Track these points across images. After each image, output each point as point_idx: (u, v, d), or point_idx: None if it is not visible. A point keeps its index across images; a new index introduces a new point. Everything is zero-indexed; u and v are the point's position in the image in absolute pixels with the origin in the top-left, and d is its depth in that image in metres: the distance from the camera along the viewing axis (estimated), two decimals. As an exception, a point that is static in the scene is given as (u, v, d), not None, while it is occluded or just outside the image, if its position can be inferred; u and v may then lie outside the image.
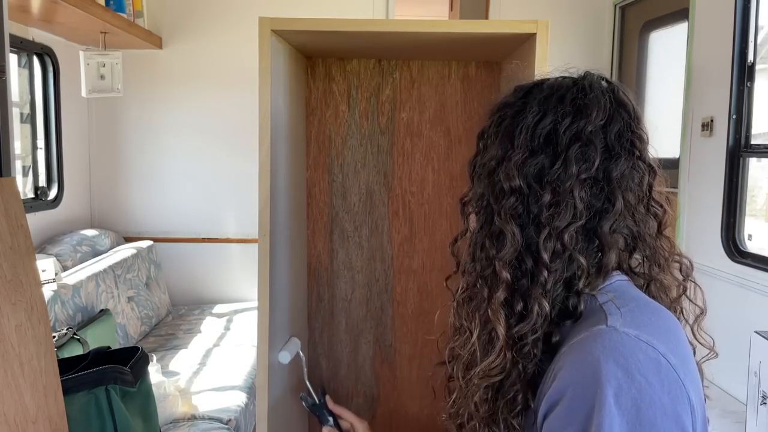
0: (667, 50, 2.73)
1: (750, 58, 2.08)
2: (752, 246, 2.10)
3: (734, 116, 2.11)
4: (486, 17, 3.20)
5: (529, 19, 0.97)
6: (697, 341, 0.72)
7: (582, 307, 0.66)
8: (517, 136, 0.69)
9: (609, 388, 0.56)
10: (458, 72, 1.27)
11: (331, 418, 1.12)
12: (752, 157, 2.12)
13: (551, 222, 0.66)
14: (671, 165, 2.52)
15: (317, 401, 1.13)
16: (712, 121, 2.22)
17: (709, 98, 2.25)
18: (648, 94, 2.85)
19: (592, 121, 0.67)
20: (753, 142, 2.10)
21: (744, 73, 2.09)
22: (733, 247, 2.11)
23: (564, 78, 0.72)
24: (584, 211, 0.65)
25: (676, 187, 2.45)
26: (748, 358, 1.46)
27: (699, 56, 2.34)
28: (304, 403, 1.13)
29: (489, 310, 0.68)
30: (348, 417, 1.12)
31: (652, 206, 0.71)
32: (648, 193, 0.70)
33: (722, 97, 2.14)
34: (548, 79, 0.73)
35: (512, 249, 0.67)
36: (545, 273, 0.65)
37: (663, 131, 2.68)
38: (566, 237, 0.65)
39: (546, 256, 0.65)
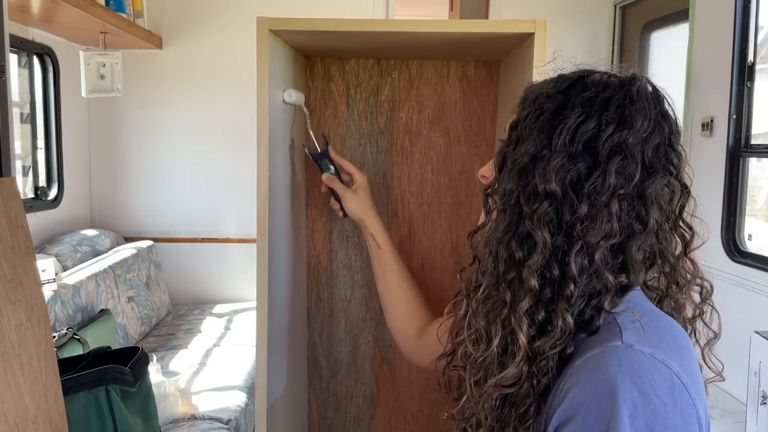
0: (668, 50, 2.73)
1: (750, 58, 2.07)
2: (752, 246, 2.10)
3: (734, 116, 2.11)
4: (486, 17, 3.20)
5: (527, 19, 0.97)
6: (706, 365, 0.71)
7: (600, 322, 0.64)
8: (556, 135, 0.65)
9: (624, 409, 0.56)
10: (457, 72, 1.27)
11: (332, 167, 1.15)
12: (752, 157, 2.12)
13: (585, 236, 0.63)
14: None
15: (319, 150, 1.15)
16: (712, 121, 2.22)
17: (709, 98, 2.25)
18: (648, 93, 2.84)
19: (635, 132, 0.64)
20: (753, 142, 2.10)
21: (744, 73, 2.08)
22: (733, 247, 2.11)
23: (610, 76, 0.69)
24: (617, 228, 0.63)
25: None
26: (748, 358, 1.46)
27: (699, 56, 2.34)
28: (306, 151, 1.16)
29: (512, 317, 0.66)
30: (348, 168, 1.16)
31: (680, 227, 0.69)
32: (677, 213, 0.68)
33: (722, 97, 2.14)
34: (593, 74, 0.69)
35: (542, 257, 0.64)
36: (572, 286, 0.63)
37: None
38: (597, 254, 0.63)
39: (575, 270, 0.63)
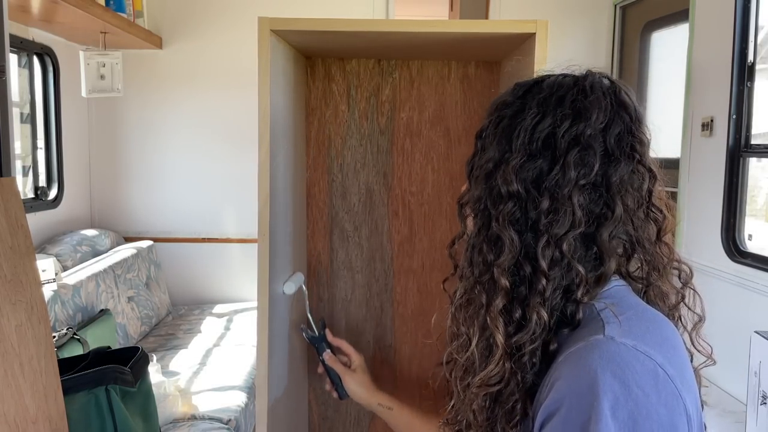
0: (668, 50, 2.73)
1: (750, 58, 2.07)
2: (752, 246, 2.10)
3: (734, 116, 2.11)
4: (486, 17, 3.20)
5: (528, 19, 0.97)
6: (696, 349, 0.71)
7: (580, 315, 0.65)
8: (515, 138, 0.67)
9: (606, 401, 0.56)
10: (458, 72, 1.27)
11: (329, 350, 1.18)
12: (752, 157, 2.12)
13: (550, 229, 0.65)
14: (671, 165, 2.52)
15: (317, 333, 1.19)
16: (712, 121, 2.22)
17: (709, 98, 2.25)
18: (649, 94, 2.85)
19: (591, 124, 0.66)
20: (753, 142, 2.10)
21: (744, 73, 2.08)
22: (733, 247, 2.11)
23: (565, 76, 0.71)
24: (583, 218, 0.64)
25: (676, 187, 2.45)
26: (748, 358, 1.46)
27: (699, 56, 2.34)
28: (304, 335, 1.19)
29: (488, 317, 0.67)
30: (346, 349, 1.18)
31: (652, 212, 0.70)
32: (648, 199, 0.69)
33: (722, 97, 2.14)
34: (549, 77, 0.71)
35: (510, 255, 0.66)
36: (544, 281, 0.64)
37: (663, 131, 2.68)
38: (564, 245, 0.64)
39: (544, 264, 0.64)
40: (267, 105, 1.01)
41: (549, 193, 0.65)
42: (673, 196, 2.50)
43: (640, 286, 0.71)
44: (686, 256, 0.74)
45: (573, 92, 0.68)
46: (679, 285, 0.73)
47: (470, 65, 1.27)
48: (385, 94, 1.29)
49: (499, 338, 0.66)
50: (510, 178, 0.66)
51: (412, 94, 1.28)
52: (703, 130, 2.27)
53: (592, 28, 3.09)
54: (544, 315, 0.64)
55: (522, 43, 1.04)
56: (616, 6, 2.99)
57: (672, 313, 0.72)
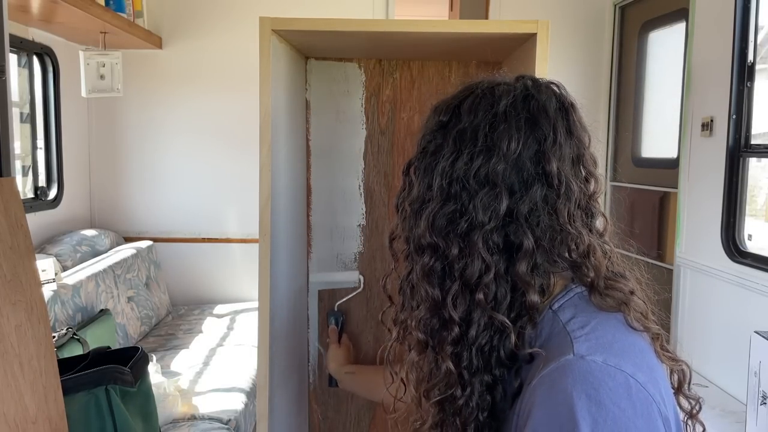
0: (665, 50, 2.73)
1: (750, 58, 2.07)
2: (752, 246, 2.10)
3: (734, 116, 2.11)
4: (486, 17, 3.20)
5: (529, 19, 0.97)
6: (682, 406, 0.69)
7: (527, 339, 0.65)
8: (434, 180, 0.68)
9: (585, 426, 0.56)
10: (458, 72, 1.27)
11: (336, 325, 1.33)
12: (752, 157, 2.12)
13: (462, 276, 0.65)
14: (670, 165, 2.52)
15: (338, 321, 1.34)
16: (712, 121, 2.22)
17: (709, 98, 2.25)
18: (647, 93, 2.85)
19: (503, 156, 0.65)
20: (753, 142, 2.10)
21: (744, 73, 2.08)
22: (733, 247, 2.11)
23: (484, 95, 0.69)
24: (494, 259, 0.65)
25: (675, 187, 2.45)
26: (748, 358, 1.46)
27: (699, 56, 2.34)
28: (329, 311, 1.35)
29: (407, 365, 0.71)
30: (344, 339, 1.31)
31: (588, 214, 0.68)
32: (584, 202, 0.68)
33: (722, 97, 2.14)
34: (468, 97, 0.70)
35: (425, 308, 0.67)
36: (456, 330, 0.65)
37: (662, 131, 2.68)
38: (480, 290, 0.64)
39: (456, 316, 0.65)
40: (268, 105, 1.01)
41: (458, 241, 0.65)
42: (673, 196, 2.50)
43: (594, 290, 0.67)
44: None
45: (487, 120, 0.67)
46: (628, 288, 0.69)
47: (471, 65, 1.27)
48: (386, 94, 1.29)
49: (411, 391, 0.70)
50: (425, 230, 0.67)
51: (412, 95, 1.28)
52: (702, 130, 2.27)
53: (592, 28, 3.09)
54: (451, 366, 0.65)
55: (523, 43, 1.04)
56: (615, 6, 2.99)
57: (622, 308, 0.67)
